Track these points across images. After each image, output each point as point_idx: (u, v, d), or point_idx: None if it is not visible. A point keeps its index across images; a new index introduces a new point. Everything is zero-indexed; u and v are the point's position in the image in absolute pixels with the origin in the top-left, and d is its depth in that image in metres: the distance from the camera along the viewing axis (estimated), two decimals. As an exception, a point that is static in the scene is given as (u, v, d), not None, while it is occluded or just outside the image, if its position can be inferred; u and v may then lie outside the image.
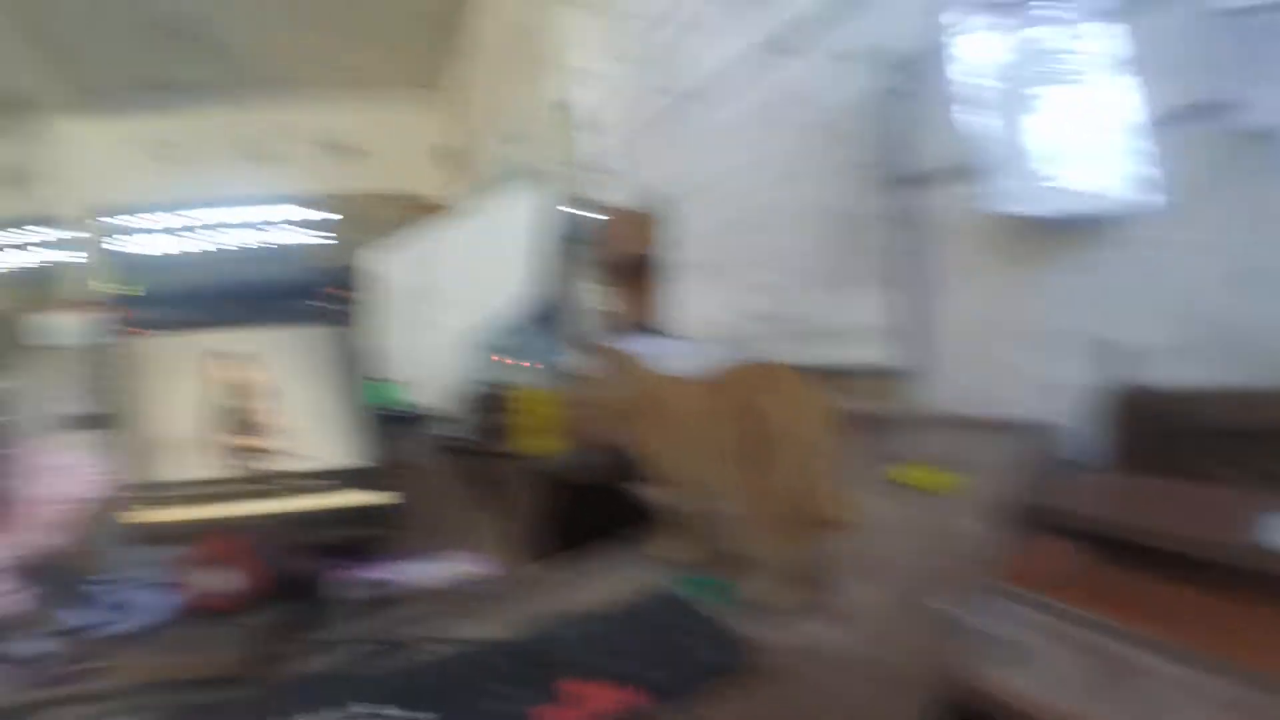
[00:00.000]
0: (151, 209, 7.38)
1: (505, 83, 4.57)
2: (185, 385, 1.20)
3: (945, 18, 1.44)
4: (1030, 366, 1.35)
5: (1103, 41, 1.23)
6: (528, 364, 1.77)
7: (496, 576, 1.07)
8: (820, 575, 0.74)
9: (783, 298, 1.75)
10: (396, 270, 3.73)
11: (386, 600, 1.01)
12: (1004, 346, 1.40)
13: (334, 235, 6.21)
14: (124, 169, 7.19)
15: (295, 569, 1.01)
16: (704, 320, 2.09)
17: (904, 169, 1.57)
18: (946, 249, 1.52)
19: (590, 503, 1.60)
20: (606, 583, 0.85)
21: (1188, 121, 1.15)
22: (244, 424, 1.20)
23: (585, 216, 2.85)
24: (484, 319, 2.32)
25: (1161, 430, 1.13)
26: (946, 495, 1.02)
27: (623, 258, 2.43)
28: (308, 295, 1.26)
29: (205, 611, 0.95)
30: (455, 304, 3.07)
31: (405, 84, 7.31)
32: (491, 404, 1.61)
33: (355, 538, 1.23)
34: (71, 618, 1.09)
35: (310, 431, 1.22)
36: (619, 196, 2.81)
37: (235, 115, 7.31)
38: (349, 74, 7.04)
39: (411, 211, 4.79)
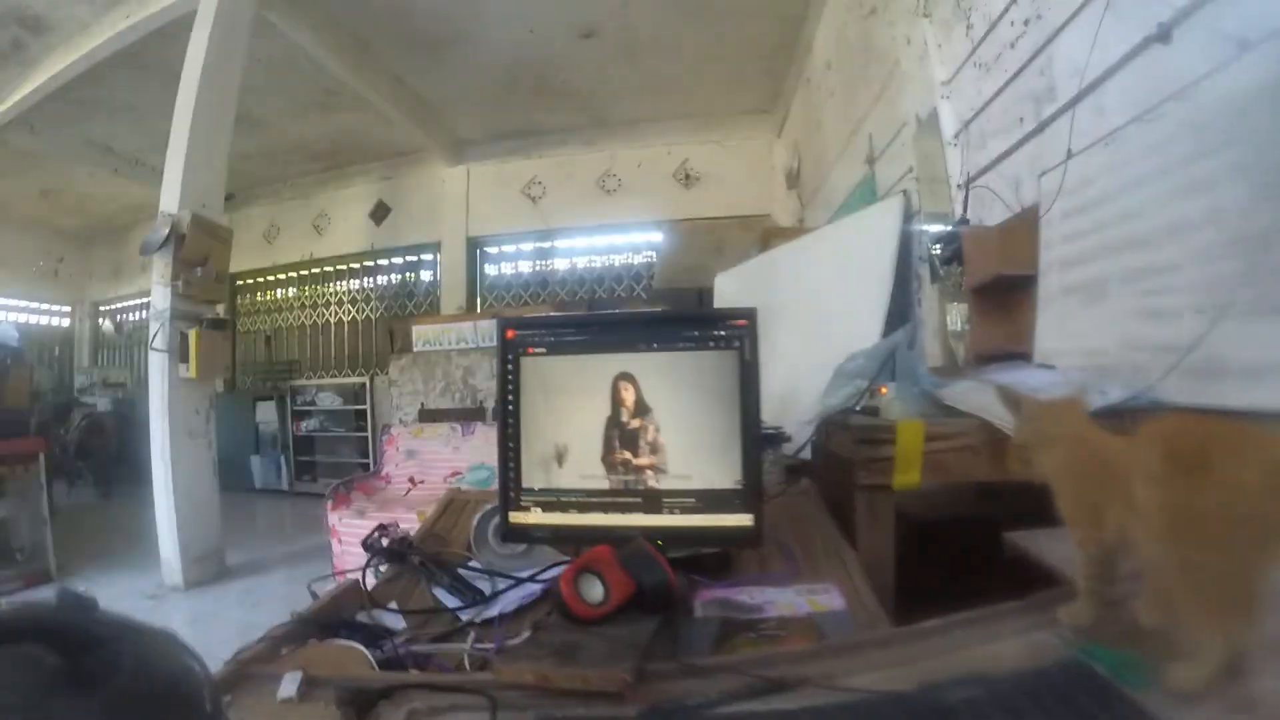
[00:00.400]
0: (523, 238, 8.66)
1: (856, 101, 4.55)
2: (582, 402, 1.35)
3: None
4: None
5: None
6: (893, 391, 1.76)
7: (874, 618, 1.05)
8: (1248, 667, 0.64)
9: (1182, 325, 1.54)
10: (751, 293, 3.73)
11: (744, 624, 1.04)
12: None
13: (690, 260, 6.65)
14: (499, 204, 8.55)
15: (659, 584, 1.05)
16: (1083, 349, 1.91)
17: None
18: None
19: (950, 543, 1.56)
20: (1002, 642, 0.80)
21: None
22: (632, 441, 1.32)
23: (951, 234, 2.75)
24: (849, 342, 2.33)
25: None
26: None
27: (991, 278, 2.30)
28: (702, 323, 1.34)
29: (572, 617, 1.00)
30: (817, 326, 3.08)
31: (748, 111, 7.62)
32: (859, 432, 1.62)
33: (718, 557, 1.30)
34: (443, 598, 1.26)
35: (690, 452, 1.31)
36: (987, 213, 2.67)
37: (594, 152, 8.26)
38: (694, 106, 7.54)
39: (767, 234, 4.95)
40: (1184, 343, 1.49)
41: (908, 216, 3.10)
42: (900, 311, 2.88)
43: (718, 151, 7.89)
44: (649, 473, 1.33)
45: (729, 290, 4.21)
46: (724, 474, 1.30)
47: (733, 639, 1.00)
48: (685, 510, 1.31)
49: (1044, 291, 2.12)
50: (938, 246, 2.86)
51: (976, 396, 1.62)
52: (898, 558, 1.53)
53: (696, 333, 1.32)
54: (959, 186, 2.93)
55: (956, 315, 2.86)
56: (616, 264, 8.34)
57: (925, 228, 3.08)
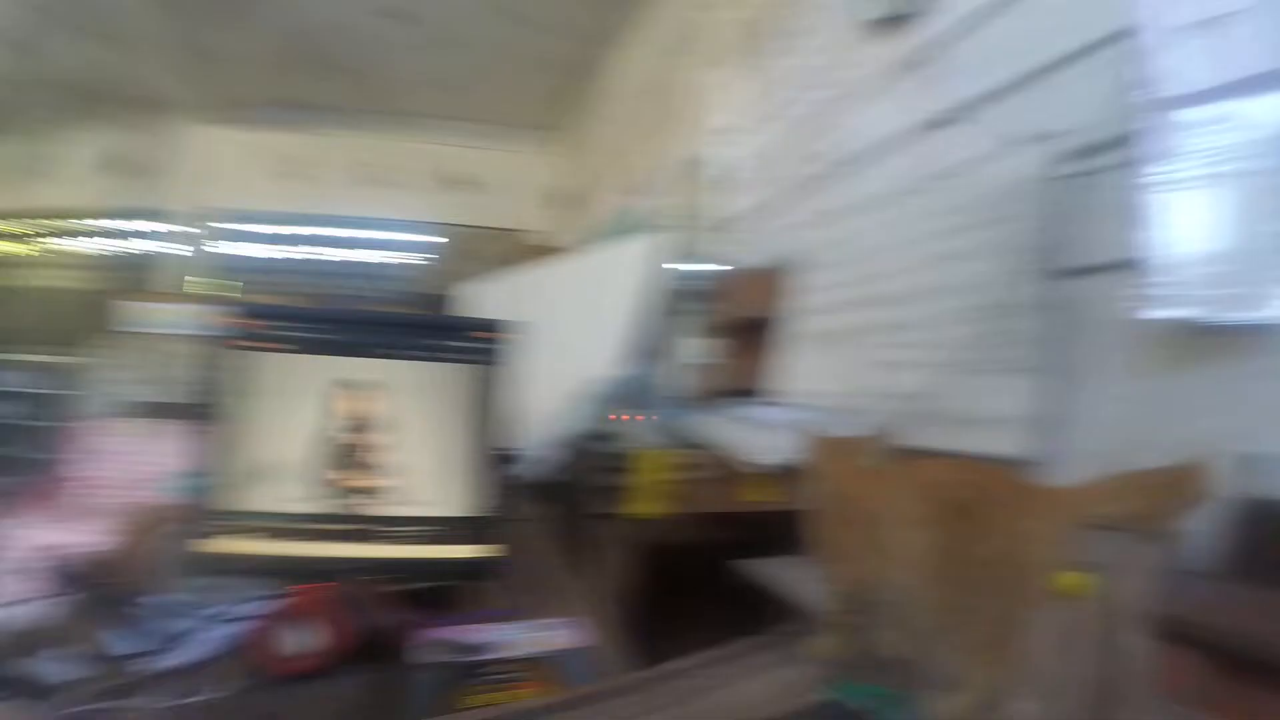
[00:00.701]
0: (266, 219, 7.82)
1: (633, 134, 4.63)
2: (300, 409, 1.14)
3: (1125, 108, 1.37)
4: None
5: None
6: (640, 420, 1.70)
7: (614, 656, 0.98)
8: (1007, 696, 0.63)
9: (916, 378, 1.65)
10: (502, 309, 3.68)
11: (474, 668, 0.93)
12: (1137, 448, 1.29)
13: (441, 265, 6.37)
14: (246, 178, 7.65)
15: (384, 627, 0.93)
16: (816, 391, 2.00)
17: (1063, 259, 1.50)
18: (1096, 345, 1.44)
19: (689, 572, 1.52)
20: (752, 681, 0.76)
21: None
22: (354, 459, 1.14)
23: (703, 273, 2.81)
24: (593, 369, 2.27)
25: None
26: (1086, 600, 0.90)
27: (739, 318, 2.36)
28: (450, 332, 1.20)
29: (282, 674, 0.85)
30: (561, 350, 3.02)
31: (527, 125, 7.53)
32: (599, 460, 1.54)
33: (450, 593, 1.16)
34: (114, 642, 1.00)
35: (423, 475, 1.16)
36: (744, 257, 2.76)
37: (358, 139, 7.70)
38: (474, 110, 7.31)
39: (522, 250, 4.86)
40: (913, 391, 1.60)
41: (663, 252, 3.15)
42: (647, 343, 2.88)
43: (491, 160, 7.68)
44: (375, 496, 1.14)
45: (480, 303, 4.06)
46: (460, 499, 1.16)
47: (462, 686, 0.89)
48: (414, 540, 1.15)
49: (785, 336, 2.20)
50: (689, 284, 2.92)
51: (716, 429, 1.61)
52: (637, 588, 1.47)
53: (442, 342, 1.19)
54: (717, 229, 3.02)
55: (699, 351, 2.92)
56: (370, 261, 7.75)
57: (679, 265, 3.13)
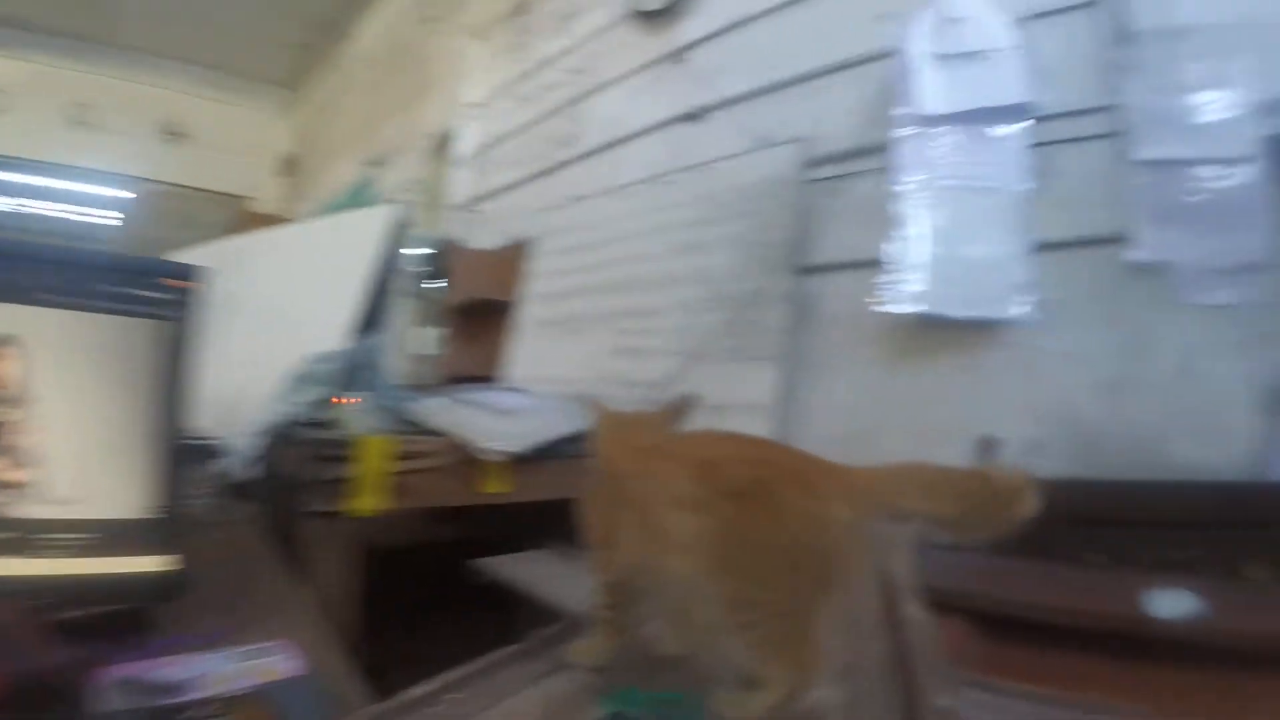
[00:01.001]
0: None
1: (380, 101, 4.32)
2: None
3: (875, 119, 1.46)
4: (902, 455, 1.28)
5: (1018, 167, 1.32)
6: (361, 403, 1.46)
7: (343, 684, 0.77)
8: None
9: (659, 365, 1.59)
10: (215, 278, 3.38)
11: (169, 714, 0.68)
12: (881, 435, 1.40)
13: (150, 225, 5.55)
14: None
15: (48, 668, 0.69)
16: (552, 377, 1.88)
17: (808, 256, 1.54)
18: (839, 338, 1.49)
19: (421, 574, 1.33)
20: (516, 699, 0.61)
21: (1078, 248, 1.28)
22: None
23: (441, 252, 2.60)
24: (313, 346, 1.99)
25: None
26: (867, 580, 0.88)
27: (477, 301, 2.19)
28: (124, 275, 0.86)
29: None
30: (280, 326, 2.71)
31: (267, 80, 6.76)
32: (314, 449, 1.29)
33: (134, 617, 0.86)
34: None
35: (84, 464, 0.83)
36: (485, 239, 2.60)
37: (77, 73, 6.43)
38: (210, 54, 6.43)
39: (246, 217, 4.36)
40: (656, 379, 1.53)
41: (399, 228, 2.94)
42: (375, 324, 2.71)
43: (220, 113, 6.73)
44: (17, 493, 0.80)
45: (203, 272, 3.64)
46: (134, 497, 0.84)
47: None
48: (74, 551, 0.81)
49: (524, 320, 2.07)
50: (424, 264, 2.71)
51: (447, 414, 1.43)
52: (365, 597, 1.23)
53: (113, 287, 0.84)
54: (460, 208, 2.83)
55: (432, 335, 2.72)
56: (72, 217, 6.42)
57: (416, 243, 2.92)
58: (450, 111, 3.24)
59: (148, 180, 6.44)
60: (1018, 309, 1.28)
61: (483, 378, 2.17)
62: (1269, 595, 1.02)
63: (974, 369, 1.33)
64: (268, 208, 6.12)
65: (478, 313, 2.28)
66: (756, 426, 1.43)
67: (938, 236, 1.35)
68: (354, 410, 1.43)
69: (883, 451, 1.33)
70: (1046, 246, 1.30)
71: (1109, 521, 1.16)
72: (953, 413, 1.32)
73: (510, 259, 2.25)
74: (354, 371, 1.57)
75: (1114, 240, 1.23)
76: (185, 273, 0.86)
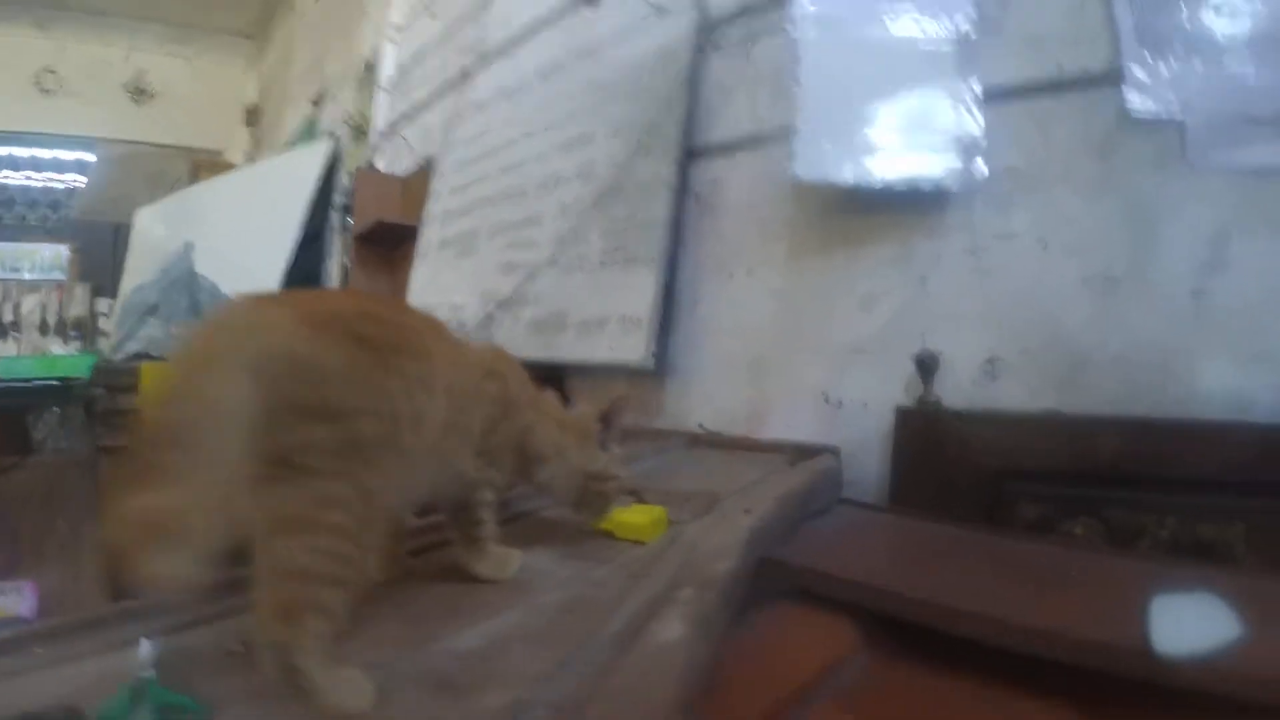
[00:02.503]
0: None
1: (324, 38, 4.13)
2: None
3: None
4: (816, 378, 1.08)
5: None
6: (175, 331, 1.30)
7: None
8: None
9: (536, 281, 1.40)
10: (174, 231, 3.26)
11: None
12: (788, 350, 1.13)
13: (116, 189, 5.42)
14: None
15: None
16: (451, 304, 1.71)
17: (702, 135, 1.30)
18: (737, 232, 1.24)
19: None
20: None
21: (1049, 95, 0.94)
22: None
23: (355, 180, 2.44)
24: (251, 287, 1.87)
25: (964, 460, 0.89)
26: (653, 542, 0.66)
27: (372, 226, 2.02)
28: None
29: None
30: (229, 271, 2.68)
31: (228, 31, 6.53)
32: (101, 377, 1.13)
33: None
34: None
35: None
36: (400, 162, 2.41)
37: (40, 39, 6.23)
38: (170, 9, 6.20)
39: (203, 168, 4.23)
40: (539, 298, 1.36)
41: (332, 162, 2.80)
42: (312, 260, 2.65)
43: (184, 70, 6.53)
44: None
45: (150, 228, 3.69)
46: None
47: None
48: None
49: (424, 244, 1.90)
50: (346, 193, 2.56)
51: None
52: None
53: None
54: (382, 134, 2.64)
55: (340, 263, 2.59)
56: (34, 185, 6.25)
57: (338, 172, 2.76)
58: (375, 36, 3.04)
59: (115, 141, 6.27)
60: (964, 174, 0.95)
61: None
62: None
63: (909, 260, 1.01)
64: (236, 160, 5.94)
65: (381, 239, 2.11)
66: (633, 345, 1.23)
67: (855, 90, 1.04)
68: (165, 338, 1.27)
69: (793, 381, 1.09)
70: (1005, 93, 0.96)
71: (1096, 477, 0.82)
72: (882, 323, 1.02)
73: (415, 182, 2.07)
74: (173, 296, 1.41)
75: (1103, 81, 0.89)
76: None
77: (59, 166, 6.25)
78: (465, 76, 2.10)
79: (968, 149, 0.96)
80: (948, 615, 0.58)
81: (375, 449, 0.42)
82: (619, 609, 0.49)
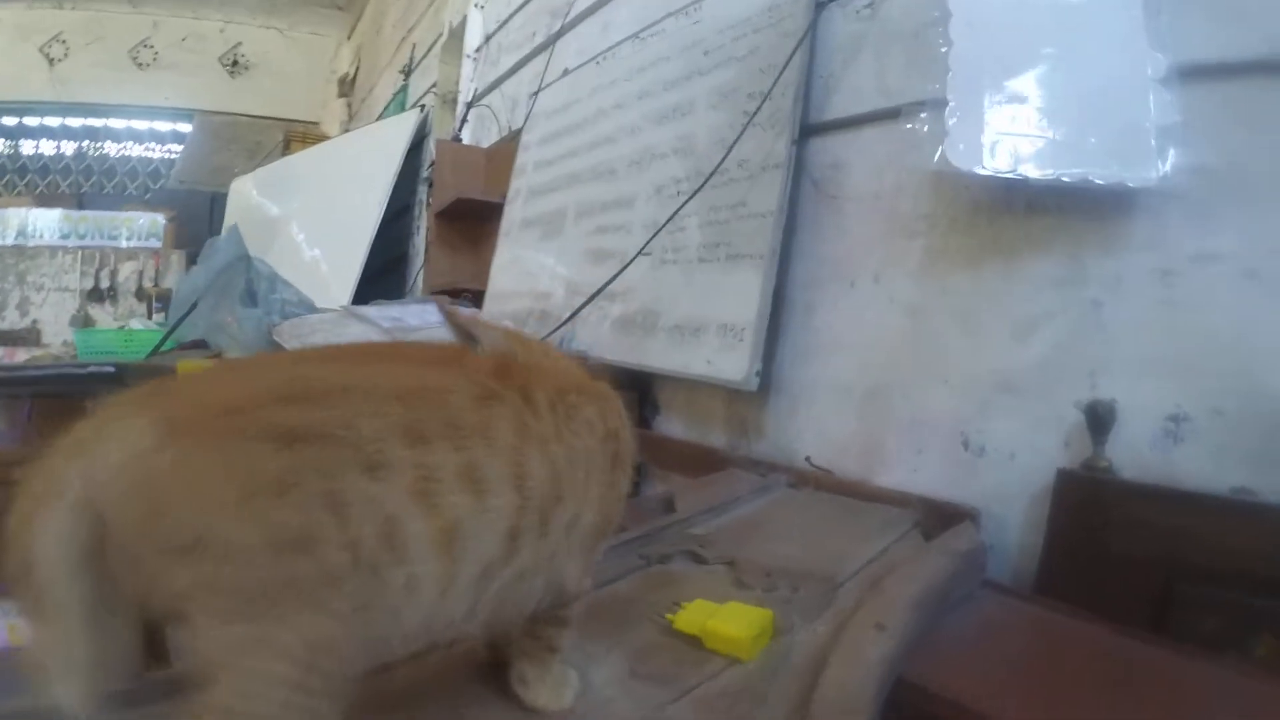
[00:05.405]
0: (28, 110, 6.30)
1: (411, 6, 4.07)
2: None
3: None
4: (952, 416, 0.87)
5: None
6: (235, 321, 1.19)
7: None
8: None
9: (626, 271, 1.24)
10: (270, 200, 3.44)
11: None
12: (919, 378, 0.92)
13: (214, 159, 5.52)
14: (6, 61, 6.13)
15: None
16: (526, 291, 1.57)
17: (821, 108, 1.10)
18: (863, 226, 1.03)
19: None
20: None
21: (1266, 76, 0.69)
22: None
23: (440, 153, 2.33)
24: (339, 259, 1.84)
25: (1133, 546, 0.69)
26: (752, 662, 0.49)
27: (451, 202, 1.89)
28: None
29: None
30: (321, 241, 2.74)
31: (319, 3, 6.57)
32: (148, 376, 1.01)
33: None
34: None
35: None
36: (486, 134, 2.29)
37: (134, 15, 6.38)
38: None
39: (295, 139, 4.25)
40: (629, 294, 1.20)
41: (421, 135, 2.71)
42: (400, 235, 2.69)
43: (278, 42, 6.63)
44: None
45: (246, 194, 3.75)
46: None
47: None
48: None
49: (507, 222, 1.76)
50: (430, 168, 2.46)
51: (326, 331, 1.14)
52: None
53: None
54: (469, 104, 2.51)
55: (423, 241, 2.53)
56: (134, 155, 6.45)
57: (425, 144, 2.68)
58: (464, 3, 2.92)
59: (211, 113, 6.40)
60: (1155, 173, 0.72)
61: (468, 291, 1.88)
62: None
63: (1079, 281, 0.79)
64: (332, 131, 5.97)
65: (466, 215, 1.98)
66: (734, 360, 1.05)
67: (1019, 56, 0.81)
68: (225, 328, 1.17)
69: (923, 416, 0.88)
70: (1207, 72, 0.73)
71: (1241, 574, 0.63)
72: (1041, 356, 0.81)
73: (499, 155, 1.93)
74: (222, 283, 1.31)
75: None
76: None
77: (157, 137, 6.46)
78: (553, 40, 1.95)
79: (1160, 141, 0.73)
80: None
81: (321, 589, 0.30)
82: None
